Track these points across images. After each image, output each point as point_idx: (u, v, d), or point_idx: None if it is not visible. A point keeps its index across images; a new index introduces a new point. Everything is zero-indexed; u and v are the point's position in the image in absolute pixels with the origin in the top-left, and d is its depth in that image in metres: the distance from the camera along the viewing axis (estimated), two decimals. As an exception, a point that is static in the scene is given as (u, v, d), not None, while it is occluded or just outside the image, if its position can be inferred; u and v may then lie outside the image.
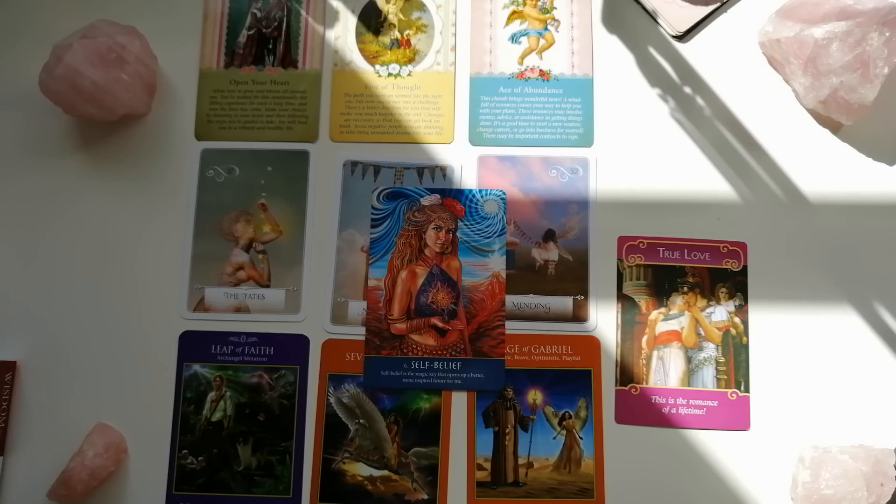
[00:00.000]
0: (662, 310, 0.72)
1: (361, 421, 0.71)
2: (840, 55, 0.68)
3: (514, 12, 0.77)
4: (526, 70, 0.76)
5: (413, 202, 0.74)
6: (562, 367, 0.71)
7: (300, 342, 0.72)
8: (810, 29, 0.69)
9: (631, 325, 0.72)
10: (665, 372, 0.71)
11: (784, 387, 0.70)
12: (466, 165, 0.75)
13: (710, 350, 0.71)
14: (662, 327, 0.72)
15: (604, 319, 0.72)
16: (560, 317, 0.72)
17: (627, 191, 0.74)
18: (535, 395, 0.71)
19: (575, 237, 0.73)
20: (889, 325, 0.71)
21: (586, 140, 0.75)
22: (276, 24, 0.78)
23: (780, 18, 0.72)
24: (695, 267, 0.72)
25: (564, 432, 0.70)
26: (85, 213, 0.74)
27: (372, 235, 0.73)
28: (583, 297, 0.72)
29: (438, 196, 0.74)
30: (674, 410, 0.70)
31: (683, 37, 0.76)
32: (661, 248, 0.73)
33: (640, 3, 0.77)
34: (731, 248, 0.72)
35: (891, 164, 0.74)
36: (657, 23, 0.77)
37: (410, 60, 0.77)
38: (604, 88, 0.76)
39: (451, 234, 0.73)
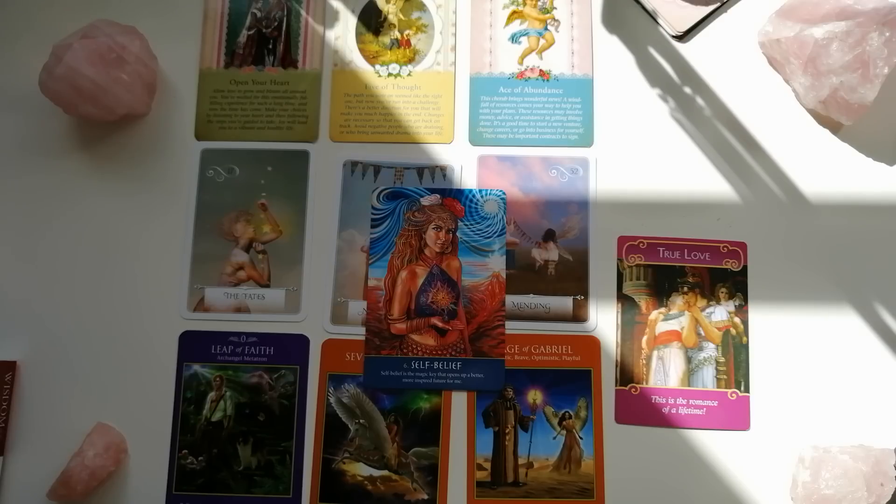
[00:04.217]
0: (662, 310, 0.72)
1: (361, 421, 0.71)
2: (840, 55, 0.68)
3: (514, 12, 0.77)
4: (526, 70, 0.76)
5: (413, 202, 0.74)
6: (562, 367, 0.71)
7: (300, 342, 0.72)
8: (810, 29, 0.69)
9: (631, 325, 0.72)
10: (665, 372, 0.71)
11: (784, 387, 0.70)
12: (466, 165, 0.75)
13: (710, 350, 0.71)
14: (662, 327, 0.72)
15: (604, 319, 0.72)
16: (560, 317, 0.72)
17: (627, 191, 0.74)
18: (535, 395, 0.71)
19: (575, 237, 0.73)
20: (889, 325, 0.71)
21: (586, 140, 0.75)
22: (276, 24, 0.78)
23: (780, 18, 0.72)
24: (695, 267, 0.72)
25: (564, 432, 0.70)
26: (85, 213, 0.74)
27: (372, 235, 0.73)
28: (583, 297, 0.72)
29: (438, 196, 0.74)
30: (674, 410, 0.70)
31: (683, 37, 0.76)
32: (661, 248, 0.73)
33: (640, 3, 0.77)
34: (731, 248, 0.72)
35: (891, 164, 0.74)
36: (657, 23, 0.77)
37: (410, 60, 0.77)
38: (604, 88, 0.76)
39: (451, 234, 0.73)
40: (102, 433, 0.69)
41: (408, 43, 0.77)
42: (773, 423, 0.70)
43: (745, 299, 0.72)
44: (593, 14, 0.77)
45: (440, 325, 0.71)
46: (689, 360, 0.71)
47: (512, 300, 0.72)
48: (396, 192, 0.74)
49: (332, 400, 0.71)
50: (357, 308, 0.72)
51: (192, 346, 0.72)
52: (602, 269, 0.72)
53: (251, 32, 0.78)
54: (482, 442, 0.70)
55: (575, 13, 0.77)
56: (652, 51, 0.76)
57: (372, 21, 0.78)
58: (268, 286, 0.73)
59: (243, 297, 0.73)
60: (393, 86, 0.76)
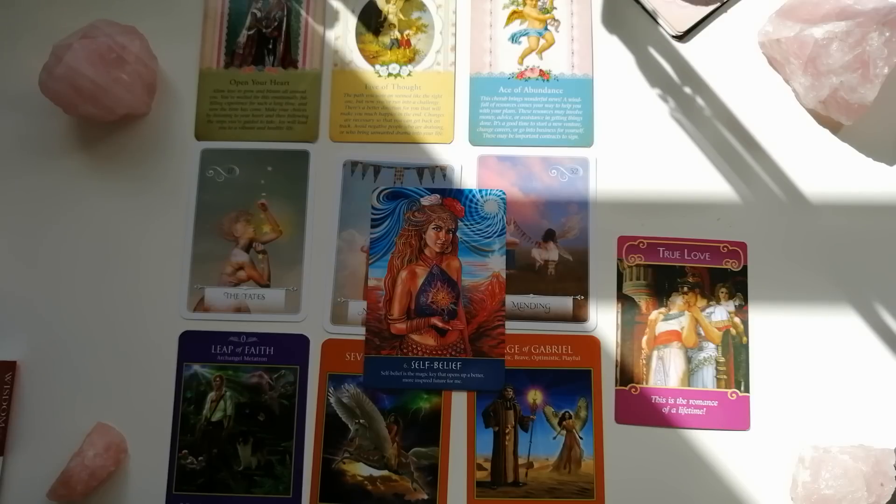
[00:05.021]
0: (662, 310, 0.72)
1: (361, 421, 0.71)
2: (840, 55, 0.68)
3: (514, 12, 0.77)
4: (526, 70, 0.76)
5: (413, 202, 0.74)
6: (562, 367, 0.71)
7: (300, 342, 0.72)
8: (810, 29, 0.69)
9: (631, 325, 0.72)
10: (665, 372, 0.71)
11: (784, 387, 0.70)
12: (466, 165, 0.75)
13: (710, 350, 0.71)
14: (662, 327, 0.72)
15: (604, 319, 0.72)
16: (560, 317, 0.72)
17: (627, 191, 0.74)
18: (535, 395, 0.71)
19: (575, 237, 0.73)
20: (889, 325, 0.71)
21: (586, 140, 0.75)
22: (276, 24, 0.78)
23: (780, 18, 0.72)
24: (695, 267, 0.72)
25: (564, 432, 0.70)
26: (85, 214, 0.74)
27: (372, 235, 0.73)
28: (583, 297, 0.72)
29: (438, 196, 0.74)
30: (674, 410, 0.70)
31: (683, 37, 0.76)
32: (661, 248, 0.73)
33: (640, 3, 0.77)
34: (731, 248, 0.72)
35: (891, 164, 0.74)
36: (657, 23, 0.77)
37: (410, 60, 0.77)
38: (604, 88, 0.76)
39: (451, 234, 0.73)
40: (102, 433, 0.69)
41: (408, 43, 0.77)
42: (773, 423, 0.70)
43: (745, 299, 0.72)
44: (593, 14, 0.77)
45: (440, 325, 0.71)
46: (689, 360, 0.71)
47: (512, 300, 0.72)
48: (396, 192, 0.74)
49: (332, 400, 0.71)
50: (357, 308, 0.72)
51: (192, 346, 0.72)
52: (602, 269, 0.72)
53: (251, 32, 0.78)
54: (482, 442, 0.70)
55: (575, 13, 0.77)
56: (652, 51, 0.76)
57: (372, 21, 0.78)
58: (268, 286, 0.73)
59: (243, 297, 0.73)
60: (393, 86, 0.76)
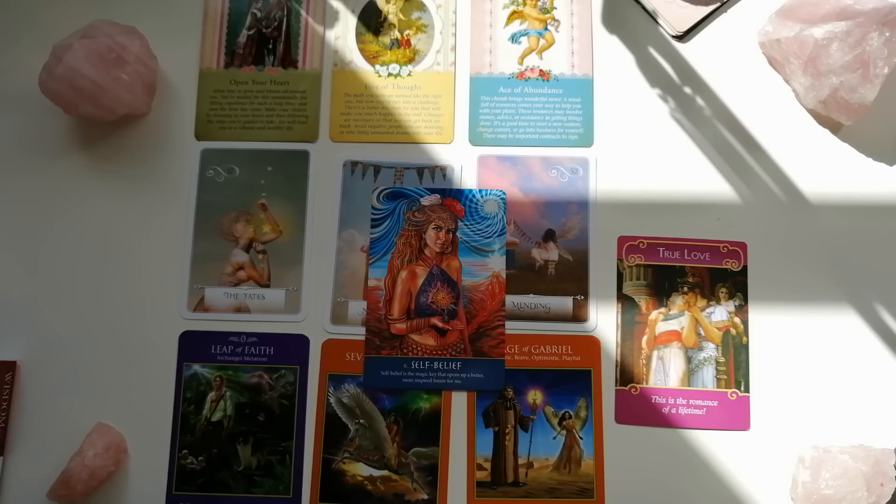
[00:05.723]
0: (662, 310, 0.72)
1: (361, 421, 0.71)
2: (840, 55, 0.68)
3: (514, 12, 0.77)
4: (526, 70, 0.76)
5: (413, 202, 0.74)
6: (562, 367, 0.71)
7: (300, 342, 0.72)
8: (810, 29, 0.69)
9: (631, 325, 0.72)
10: (665, 372, 0.71)
11: (784, 387, 0.70)
12: (466, 165, 0.75)
13: (710, 350, 0.71)
14: (662, 327, 0.72)
15: (604, 319, 0.72)
16: (560, 317, 0.72)
17: (627, 191, 0.74)
18: (535, 395, 0.71)
19: (575, 237, 0.73)
20: (889, 325, 0.71)
21: (586, 140, 0.75)
22: (276, 24, 0.78)
23: (780, 18, 0.72)
24: (695, 267, 0.72)
25: (564, 432, 0.70)
26: (85, 214, 0.74)
27: (372, 235, 0.73)
28: (583, 297, 0.72)
29: (438, 196, 0.74)
30: (674, 410, 0.70)
31: (683, 37, 0.76)
32: (661, 248, 0.73)
33: (640, 3, 0.77)
34: (731, 248, 0.72)
35: (891, 164, 0.74)
36: (657, 23, 0.77)
37: (410, 60, 0.77)
38: (604, 88, 0.76)
39: (451, 234, 0.73)
40: (102, 433, 0.69)
41: (408, 43, 0.77)
42: (773, 423, 0.70)
43: (745, 299, 0.72)
44: (593, 14, 0.77)
45: (440, 325, 0.71)
46: (689, 360, 0.71)
47: (512, 300, 0.72)
48: (396, 192, 0.74)
49: (332, 400, 0.71)
50: (357, 308, 0.72)
51: (192, 346, 0.72)
52: (602, 269, 0.72)
53: (251, 32, 0.78)
54: (482, 442, 0.70)
55: (575, 13, 0.77)
56: (652, 51, 0.76)
57: (372, 21, 0.78)
58: (268, 286, 0.73)
59: (243, 297, 0.73)
60: (393, 86, 0.76)
